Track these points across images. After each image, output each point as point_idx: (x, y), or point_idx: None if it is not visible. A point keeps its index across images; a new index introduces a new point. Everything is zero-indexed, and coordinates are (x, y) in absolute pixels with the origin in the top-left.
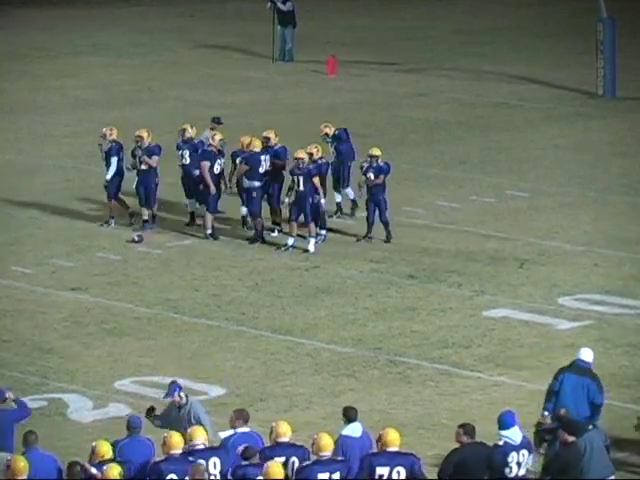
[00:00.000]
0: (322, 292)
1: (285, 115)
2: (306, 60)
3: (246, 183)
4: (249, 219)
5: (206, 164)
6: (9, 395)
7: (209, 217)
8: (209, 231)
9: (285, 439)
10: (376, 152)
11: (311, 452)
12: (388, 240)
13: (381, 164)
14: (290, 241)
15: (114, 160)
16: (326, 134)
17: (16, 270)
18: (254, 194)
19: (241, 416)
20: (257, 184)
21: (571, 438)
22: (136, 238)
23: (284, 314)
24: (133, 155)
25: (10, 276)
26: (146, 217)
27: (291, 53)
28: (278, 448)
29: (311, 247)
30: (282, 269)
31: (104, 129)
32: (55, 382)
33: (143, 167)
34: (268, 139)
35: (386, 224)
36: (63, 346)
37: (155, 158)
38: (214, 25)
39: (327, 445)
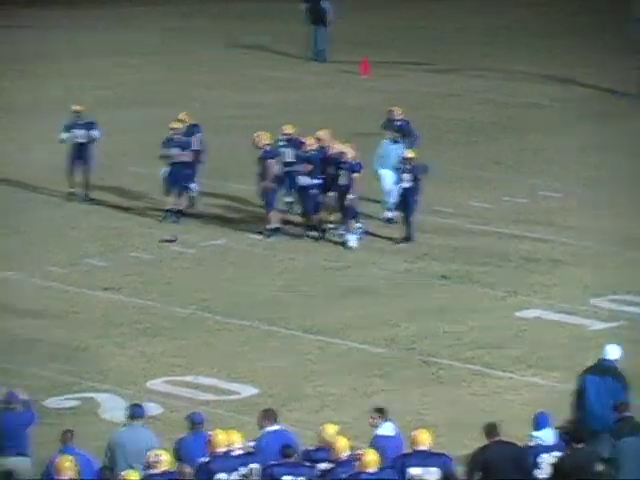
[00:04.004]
0: (354, 292)
1: (316, 115)
2: (339, 60)
3: (303, 181)
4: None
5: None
6: (21, 396)
7: (277, 215)
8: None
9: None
10: (409, 155)
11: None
12: (407, 240)
13: (415, 165)
14: (352, 241)
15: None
16: (389, 118)
17: (50, 269)
18: (311, 192)
19: (268, 415)
20: (315, 181)
21: (578, 445)
22: (169, 237)
23: (316, 314)
24: (165, 145)
25: (44, 275)
26: (170, 207)
27: (324, 53)
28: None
29: (353, 243)
30: (314, 269)
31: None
32: (88, 382)
33: (174, 159)
34: (320, 139)
35: (409, 225)
36: (96, 346)
37: (187, 152)
38: (245, 24)
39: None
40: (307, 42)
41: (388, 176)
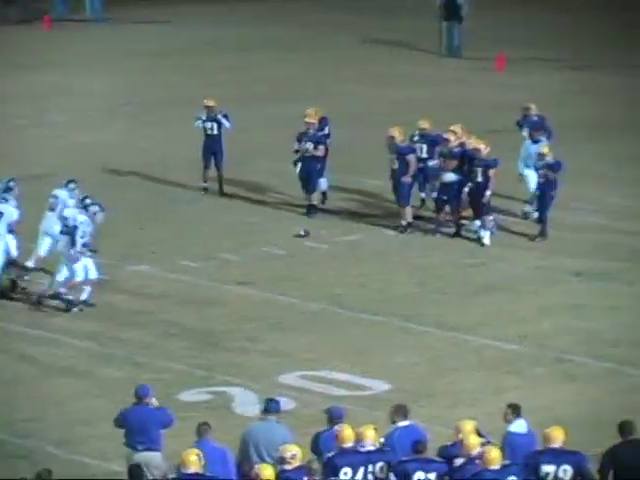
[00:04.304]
0: (487, 288)
1: (449, 112)
2: (474, 56)
3: (448, 178)
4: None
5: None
6: (153, 401)
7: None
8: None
9: None
10: (544, 150)
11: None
12: (541, 236)
13: (549, 162)
14: (486, 237)
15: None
16: (525, 116)
17: (183, 264)
18: (455, 187)
19: (400, 410)
20: (459, 178)
21: None
22: (302, 232)
23: (449, 310)
24: (299, 140)
25: (178, 270)
26: (310, 202)
27: (459, 49)
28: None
29: (487, 240)
30: (447, 266)
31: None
32: (220, 375)
33: (307, 154)
34: (455, 133)
35: (543, 221)
36: (229, 340)
37: (321, 148)
38: (382, 20)
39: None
40: (440, 38)
41: (532, 176)
